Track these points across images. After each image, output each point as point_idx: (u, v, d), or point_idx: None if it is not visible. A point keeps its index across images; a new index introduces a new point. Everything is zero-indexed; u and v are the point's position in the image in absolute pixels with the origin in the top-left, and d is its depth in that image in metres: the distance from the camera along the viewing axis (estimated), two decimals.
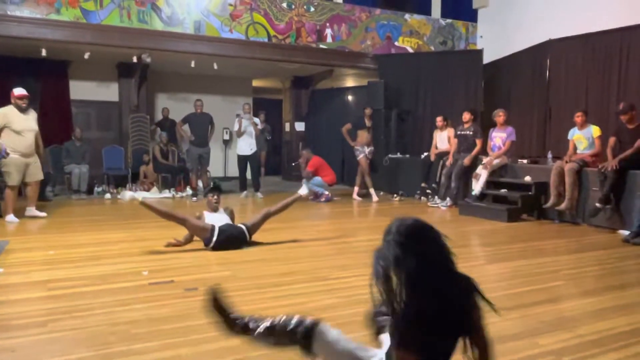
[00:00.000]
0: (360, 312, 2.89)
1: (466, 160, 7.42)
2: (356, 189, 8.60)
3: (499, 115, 7.23)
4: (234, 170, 11.37)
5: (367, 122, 8.56)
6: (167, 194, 8.79)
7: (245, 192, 8.94)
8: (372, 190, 8.43)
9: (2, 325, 2.68)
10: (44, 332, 2.60)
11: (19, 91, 5.91)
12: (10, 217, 5.78)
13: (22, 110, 5.87)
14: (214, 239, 4.45)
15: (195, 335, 2.56)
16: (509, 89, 9.09)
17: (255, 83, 12.39)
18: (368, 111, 8.71)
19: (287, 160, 12.27)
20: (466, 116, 7.67)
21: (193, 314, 2.87)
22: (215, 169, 10.73)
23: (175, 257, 4.28)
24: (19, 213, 5.96)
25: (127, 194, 5.72)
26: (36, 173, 6.07)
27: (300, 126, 11.75)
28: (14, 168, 5.79)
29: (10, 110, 5.83)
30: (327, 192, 8.40)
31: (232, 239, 4.52)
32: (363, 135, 8.47)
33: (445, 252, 1.59)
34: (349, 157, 11.17)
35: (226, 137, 11.47)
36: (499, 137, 7.22)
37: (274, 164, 12.93)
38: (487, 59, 9.27)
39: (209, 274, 3.80)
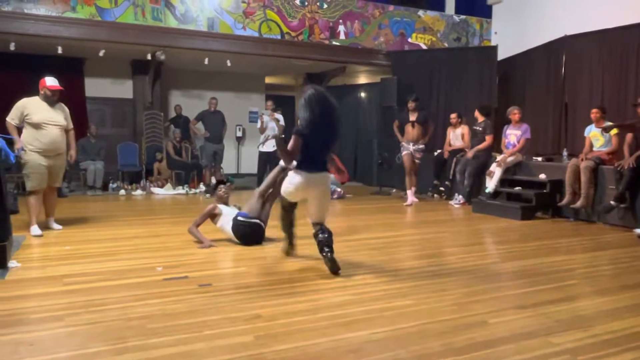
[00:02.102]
0: (370, 310, 2.92)
1: (469, 153, 7.45)
2: (408, 192, 7.76)
3: (514, 113, 7.17)
4: (247, 167, 11.44)
5: (411, 116, 7.78)
6: (180, 190, 8.86)
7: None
8: (409, 192, 7.72)
9: (21, 319, 2.73)
10: (61, 326, 2.64)
11: (51, 81, 5.08)
12: (34, 229, 4.93)
13: (51, 103, 5.06)
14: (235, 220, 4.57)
15: (209, 331, 2.58)
16: (524, 86, 9.01)
17: (268, 80, 12.41)
18: (411, 105, 7.75)
19: None
20: (476, 114, 7.71)
21: (207, 309, 2.90)
22: (228, 165, 10.79)
23: (189, 253, 4.32)
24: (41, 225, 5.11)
25: None
26: (55, 179, 5.18)
27: None
28: (31, 170, 4.94)
29: (33, 101, 5.02)
30: (339, 189, 8.40)
31: (252, 235, 4.57)
32: (407, 131, 7.81)
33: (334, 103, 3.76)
34: (362, 154, 11.19)
35: (239, 134, 11.51)
36: (514, 135, 7.16)
37: None
38: (501, 55, 9.19)
39: (223, 270, 3.83)
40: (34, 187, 4.97)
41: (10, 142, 4.90)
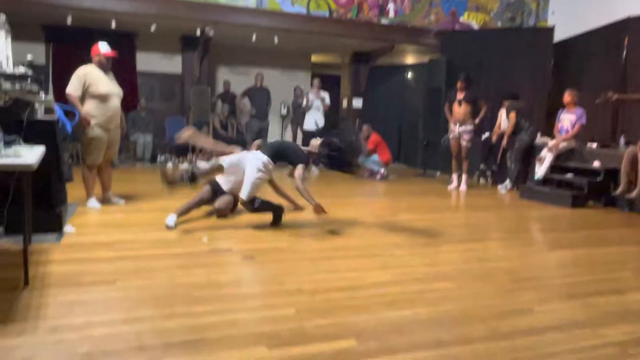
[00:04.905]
0: (411, 290, 2.90)
1: (503, 142, 7.38)
2: (454, 175, 7.50)
3: (567, 96, 6.87)
4: None
5: (459, 95, 7.26)
6: None
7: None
8: (454, 175, 7.47)
9: (75, 281, 2.86)
10: (113, 289, 2.76)
11: (105, 48, 4.83)
12: (92, 202, 4.86)
13: (106, 71, 4.83)
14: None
15: (252, 302, 2.64)
16: (581, 69, 8.59)
17: (315, 58, 12.34)
18: (460, 84, 7.21)
19: None
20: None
21: (250, 281, 2.96)
22: None
23: (233, 226, 4.40)
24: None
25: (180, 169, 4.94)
26: (113, 151, 5.04)
27: (357, 102, 11.64)
28: (94, 145, 4.74)
29: (92, 70, 4.73)
30: (382, 170, 8.33)
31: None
32: (455, 110, 7.32)
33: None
34: (406, 135, 11.04)
35: (284, 111, 11.54)
36: (568, 119, 6.86)
37: None
38: (558, 37, 8.78)
39: (265, 244, 3.88)
40: (95, 161, 4.82)
41: (66, 112, 5.03)
